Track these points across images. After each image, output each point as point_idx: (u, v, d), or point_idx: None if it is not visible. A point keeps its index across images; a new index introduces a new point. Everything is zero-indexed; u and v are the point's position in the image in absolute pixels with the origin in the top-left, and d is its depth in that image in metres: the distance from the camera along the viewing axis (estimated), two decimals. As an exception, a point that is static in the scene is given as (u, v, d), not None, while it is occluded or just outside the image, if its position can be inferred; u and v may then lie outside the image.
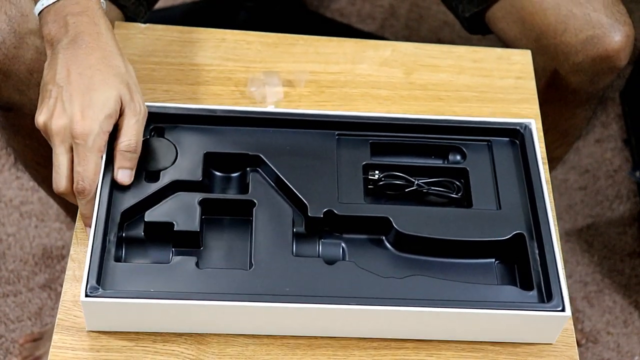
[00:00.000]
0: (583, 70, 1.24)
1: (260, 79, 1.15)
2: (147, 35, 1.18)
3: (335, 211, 0.99)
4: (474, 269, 0.99)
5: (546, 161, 1.09)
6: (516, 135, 1.07)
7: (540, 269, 0.97)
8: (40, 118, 0.95)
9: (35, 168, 1.37)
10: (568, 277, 1.70)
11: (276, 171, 1.01)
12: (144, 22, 1.22)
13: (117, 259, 0.95)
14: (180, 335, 0.95)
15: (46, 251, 1.66)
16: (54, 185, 0.96)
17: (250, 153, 1.03)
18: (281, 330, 0.95)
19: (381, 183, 1.04)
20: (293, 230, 0.98)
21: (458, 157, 1.07)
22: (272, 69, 1.16)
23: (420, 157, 1.07)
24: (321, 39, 1.20)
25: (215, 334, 0.95)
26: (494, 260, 1.00)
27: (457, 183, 1.04)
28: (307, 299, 0.92)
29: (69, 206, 1.41)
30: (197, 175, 1.00)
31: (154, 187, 0.99)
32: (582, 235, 1.77)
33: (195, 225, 0.97)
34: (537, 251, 0.98)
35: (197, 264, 0.95)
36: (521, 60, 1.20)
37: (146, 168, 0.99)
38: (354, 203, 1.00)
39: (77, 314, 0.95)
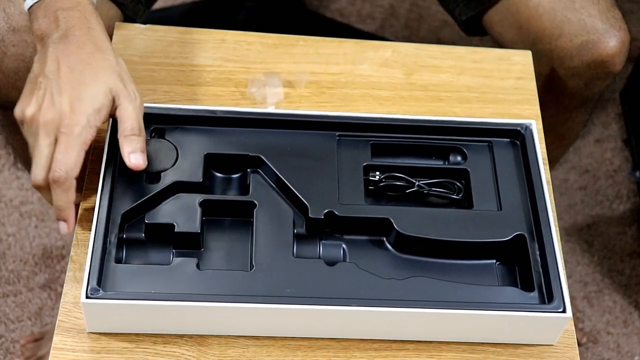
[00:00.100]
0: (578, 75, 1.24)
1: (260, 79, 1.14)
2: (147, 36, 1.17)
3: (336, 212, 0.99)
4: (475, 270, 0.99)
5: (547, 162, 1.09)
6: (517, 136, 1.07)
7: (541, 270, 0.97)
8: (28, 110, 0.93)
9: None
10: (568, 277, 1.70)
11: (277, 172, 1.01)
12: (143, 22, 1.22)
13: (118, 261, 0.95)
14: (180, 336, 0.95)
15: (46, 251, 1.66)
16: (31, 178, 0.93)
17: (250, 154, 1.03)
18: (282, 331, 0.95)
19: (382, 184, 1.04)
20: (294, 231, 0.98)
21: (459, 158, 1.07)
22: (272, 70, 1.16)
23: (420, 158, 1.07)
24: (321, 39, 1.20)
25: (215, 336, 0.95)
26: (494, 261, 1.00)
27: (458, 184, 1.04)
28: (308, 300, 0.92)
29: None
30: (198, 177, 1.00)
31: (154, 188, 0.98)
32: (582, 235, 1.77)
33: (195, 227, 0.97)
34: (537, 252, 0.98)
35: (197, 266, 0.95)
36: (521, 61, 1.20)
37: (147, 169, 0.99)
38: (354, 204, 1.00)
39: (78, 316, 0.95)
